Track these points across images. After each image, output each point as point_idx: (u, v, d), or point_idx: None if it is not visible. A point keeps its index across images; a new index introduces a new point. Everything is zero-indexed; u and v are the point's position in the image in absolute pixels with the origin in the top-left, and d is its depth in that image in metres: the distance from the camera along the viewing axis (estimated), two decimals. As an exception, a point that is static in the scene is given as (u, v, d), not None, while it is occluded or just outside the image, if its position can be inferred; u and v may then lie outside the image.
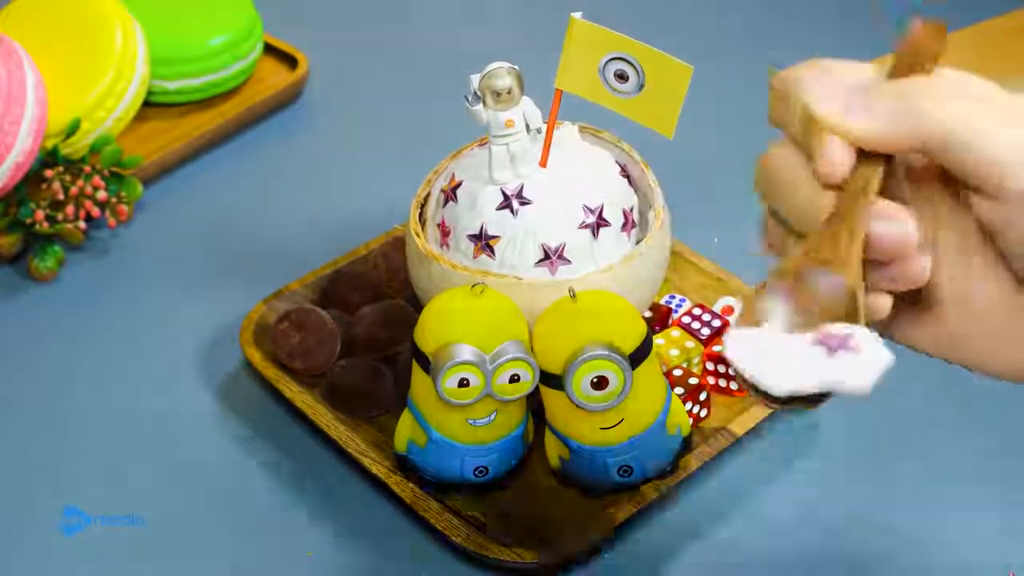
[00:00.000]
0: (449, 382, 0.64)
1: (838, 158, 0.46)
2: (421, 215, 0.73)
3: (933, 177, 0.48)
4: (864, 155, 0.46)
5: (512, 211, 0.69)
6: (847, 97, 0.46)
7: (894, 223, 0.46)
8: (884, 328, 0.49)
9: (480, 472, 0.68)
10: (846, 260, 0.46)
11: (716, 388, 0.74)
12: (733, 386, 0.74)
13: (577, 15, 0.67)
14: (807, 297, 0.47)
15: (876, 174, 0.46)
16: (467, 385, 0.64)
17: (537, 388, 0.66)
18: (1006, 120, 0.46)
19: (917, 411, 0.75)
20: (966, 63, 1.05)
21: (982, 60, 1.00)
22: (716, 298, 0.80)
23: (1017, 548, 0.68)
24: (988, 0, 1.07)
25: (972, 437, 0.74)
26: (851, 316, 0.46)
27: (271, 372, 0.75)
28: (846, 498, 0.71)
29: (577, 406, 0.65)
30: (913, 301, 0.49)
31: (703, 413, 0.73)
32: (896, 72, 0.47)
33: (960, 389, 0.76)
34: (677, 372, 0.72)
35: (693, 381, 0.72)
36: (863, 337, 0.45)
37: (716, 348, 0.75)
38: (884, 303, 0.48)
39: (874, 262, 0.47)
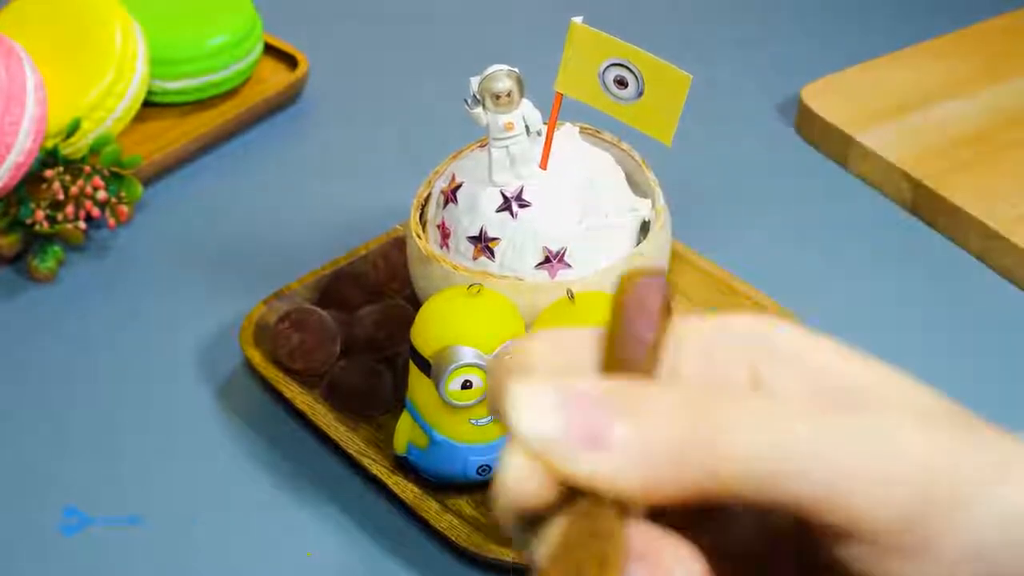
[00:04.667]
0: (452, 385, 0.64)
1: (524, 487, 0.28)
2: (421, 216, 0.73)
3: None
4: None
5: (512, 213, 0.69)
6: (584, 409, 0.28)
7: (648, 567, 0.28)
8: None
9: (483, 470, 0.68)
10: None
11: None
12: None
13: (578, 20, 0.67)
14: None
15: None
16: (470, 387, 0.64)
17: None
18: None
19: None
20: (966, 64, 1.05)
21: (981, 60, 1.00)
22: (716, 297, 0.80)
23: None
24: (988, 0, 1.07)
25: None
26: None
27: (271, 372, 0.75)
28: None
29: (577, 407, 0.65)
30: None
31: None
32: (620, 330, 0.31)
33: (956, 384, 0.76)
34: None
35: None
36: None
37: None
38: None
39: None
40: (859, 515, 0.28)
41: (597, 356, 0.31)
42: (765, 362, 0.31)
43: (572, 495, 0.29)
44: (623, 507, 0.28)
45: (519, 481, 0.28)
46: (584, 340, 0.31)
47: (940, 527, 0.28)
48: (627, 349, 0.31)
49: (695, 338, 0.31)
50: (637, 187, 0.73)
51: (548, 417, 0.28)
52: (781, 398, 0.30)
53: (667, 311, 0.32)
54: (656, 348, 0.31)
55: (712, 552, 0.30)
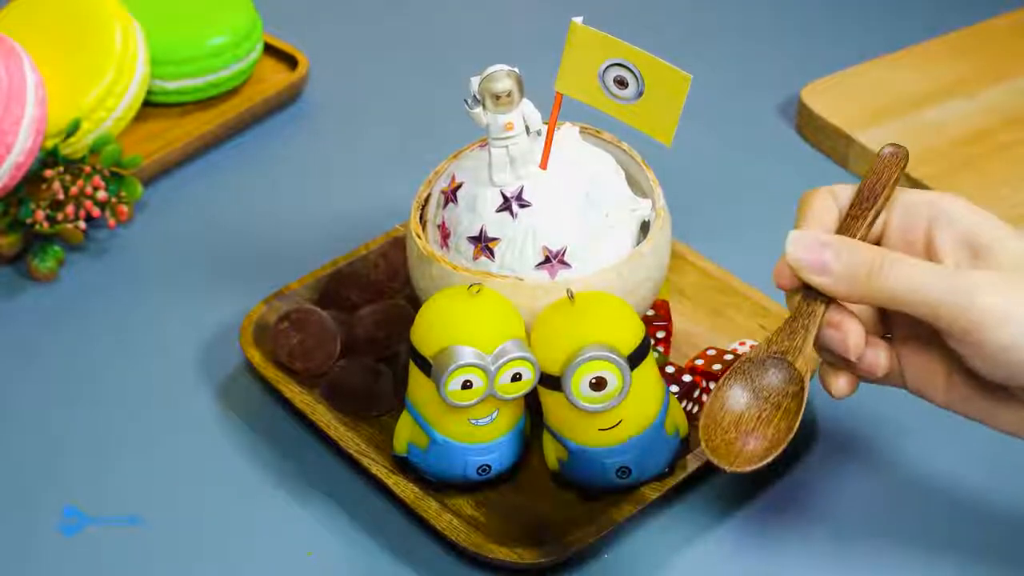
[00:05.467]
0: (452, 385, 0.64)
1: (785, 280, 0.60)
2: (421, 216, 0.73)
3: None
4: None
5: (512, 213, 0.69)
6: (817, 251, 0.58)
7: (837, 332, 0.60)
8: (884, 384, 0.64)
9: (483, 470, 0.68)
10: (799, 352, 0.60)
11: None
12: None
13: (578, 20, 0.67)
14: (764, 379, 0.61)
15: None
16: (470, 387, 0.64)
17: (535, 390, 0.66)
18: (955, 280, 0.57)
19: (912, 402, 0.75)
20: (966, 64, 1.05)
21: (982, 60, 1.00)
22: (715, 297, 0.80)
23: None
24: (988, 0, 1.07)
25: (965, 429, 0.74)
26: (798, 396, 0.60)
27: (271, 372, 0.75)
28: (849, 494, 0.71)
29: (576, 407, 0.65)
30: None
31: (695, 410, 0.73)
32: (862, 192, 0.61)
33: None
34: (670, 369, 0.72)
35: (687, 378, 0.72)
36: None
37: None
38: (841, 386, 0.62)
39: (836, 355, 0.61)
40: (946, 325, 0.57)
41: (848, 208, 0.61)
42: (935, 222, 0.60)
43: (807, 288, 0.59)
44: (829, 301, 0.59)
45: (784, 276, 0.60)
46: (847, 192, 0.61)
47: (983, 335, 0.56)
48: (860, 206, 0.60)
49: (899, 203, 0.61)
50: (637, 187, 0.73)
51: (800, 250, 0.59)
52: (919, 258, 0.59)
53: (895, 182, 0.61)
54: (879, 207, 0.60)
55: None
